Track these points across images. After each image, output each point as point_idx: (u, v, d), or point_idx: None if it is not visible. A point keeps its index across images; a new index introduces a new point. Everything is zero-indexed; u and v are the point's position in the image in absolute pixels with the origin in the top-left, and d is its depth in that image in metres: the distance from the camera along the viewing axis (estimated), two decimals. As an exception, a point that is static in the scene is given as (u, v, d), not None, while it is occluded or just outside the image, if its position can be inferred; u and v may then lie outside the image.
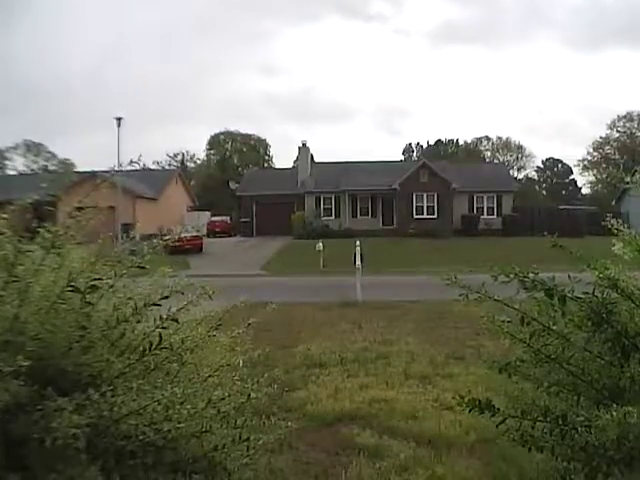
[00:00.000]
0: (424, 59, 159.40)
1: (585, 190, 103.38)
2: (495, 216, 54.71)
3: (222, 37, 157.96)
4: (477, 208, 55.05)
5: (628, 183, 3.44)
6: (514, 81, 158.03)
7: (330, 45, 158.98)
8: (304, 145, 61.54)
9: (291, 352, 11.11)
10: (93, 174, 53.50)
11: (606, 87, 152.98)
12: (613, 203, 61.22)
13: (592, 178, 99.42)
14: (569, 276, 2.92)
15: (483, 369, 8.08)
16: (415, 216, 52.41)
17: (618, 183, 55.09)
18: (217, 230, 60.13)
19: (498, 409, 2.85)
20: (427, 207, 52.83)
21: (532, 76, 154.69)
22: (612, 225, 3.41)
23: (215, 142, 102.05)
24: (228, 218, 66.03)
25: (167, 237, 2.87)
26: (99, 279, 2.57)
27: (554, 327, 2.88)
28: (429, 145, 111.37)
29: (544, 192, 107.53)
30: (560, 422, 2.70)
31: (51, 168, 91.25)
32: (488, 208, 55.28)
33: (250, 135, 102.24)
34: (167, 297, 2.72)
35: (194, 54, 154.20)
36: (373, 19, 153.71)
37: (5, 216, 2.55)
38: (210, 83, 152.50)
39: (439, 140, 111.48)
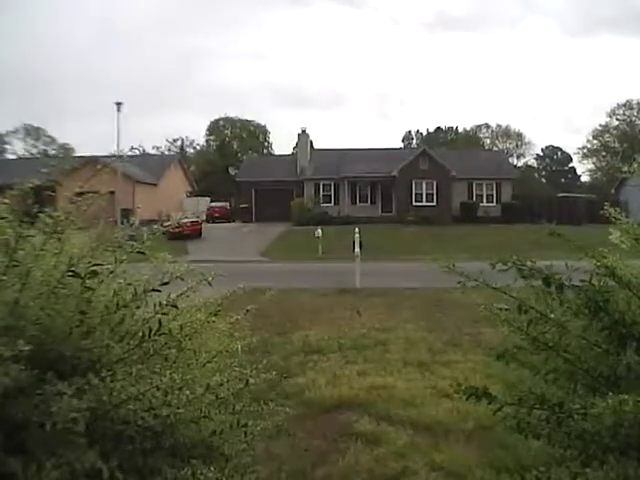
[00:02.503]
0: (420, 46, 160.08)
1: (584, 178, 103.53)
2: (494, 203, 54.68)
3: (217, 24, 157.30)
4: (476, 195, 55.04)
5: (626, 172, 3.44)
6: (512, 68, 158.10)
7: (326, 32, 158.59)
8: (303, 132, 61.46)
9: (289, 338, 11.15)
10: (93, 159, 53.86)
11: (603, 75, 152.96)
12: (612, 191, 61.12)
13: (591, 166, 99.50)
14: (566, 265, 2.93)
15: (481, 356, 8.15)
16: (414, 203, 52.38)
17: (617, 173, 55.07)
18: (216, 216, 60.07)
19: (495, 397, 2.86)
20: (426, 194, 52.78)
21: (530, 64, 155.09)
22: (610, 214, 3.42)
23: (214, 128, 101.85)
24: (227, 204, 65.97)
25: (167, 224, 2.88)
26: (99, 264, 2.57)
27: (551, 315, 2.89)
28: (429, 132, 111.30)
29: (543, 180, 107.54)
30: (557, 410, 2.71)
31: (51, 152, 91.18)
32: (487, 195, 55.24)
33: (250, 121, 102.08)
34: (167, 283, 2.73)
35: (191, 41, 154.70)
36: (366, 5, 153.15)
37: (6, 201, 2.56)
38: (207, 70, 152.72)
39: (438, 127, 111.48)
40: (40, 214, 2.57)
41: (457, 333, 11.36)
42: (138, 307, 2.72)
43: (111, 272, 2.70)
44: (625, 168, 3.38)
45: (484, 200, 54.86)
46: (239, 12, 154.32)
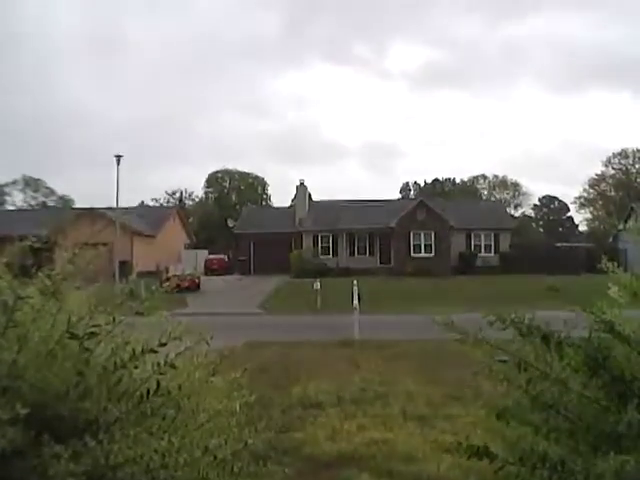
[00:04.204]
0: (415, 99, 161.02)
1: (582, 227, 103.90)
2: (492, 254, 54.76)
3: (214, 79, 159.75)
4: (474, 246, 55.14)
5: (622, 230, 3.46)
6: (507, 120, 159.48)
7: (323, 87, 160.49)
8: (301, 184, 61.85)
9: (288, 392, 11.06)
10: (92, 211, 54.10)
11: (594, 126, 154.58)
12: (610, 240, 61.30)
13: (589, 215, 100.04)
14: (564, 322, 2.93)
15: (482, 409, 8.08)
16: (413, 254, 52.44)
17: (612, 229, 55.33)
18: (214, 268, 60.03)
19: (496, 455, 2.84)
20: (424, 245, 52.86)
21: (523, 116, 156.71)
22: (608, 267, 3.42)
23: (213, 180, 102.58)
24: (225, 256, 66.03)
25: (166, 285, 2.88)
26: (98, 325, 2.57)
27: (551, 373, 2.88)
28: (426, 184, 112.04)
29: (541, 229, 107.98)
30: (558, 469, 2.69)
31: (50, 204, 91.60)
32: (485, 246, 55.35)
33: (248, 173, 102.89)
34: (165, 344, 2.72)
35: (190, 94, 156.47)
36: (357, 62, 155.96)
37: (4, 260, 2.57)
38: (206, 122, 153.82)
39: (436, 179, 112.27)
40: (39, 273, 2.58)
41: (457, 386, 11.26)
42: (136, 367, 2.71)
43: (109, 332, 2.70)
44: (620, 226, 3.40)
45: (482, 250, 54.95)
46: (237, 67, 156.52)
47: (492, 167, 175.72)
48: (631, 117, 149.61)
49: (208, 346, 3.01)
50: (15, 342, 2.45)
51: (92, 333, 2.54)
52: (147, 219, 61.31)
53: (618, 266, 3.40)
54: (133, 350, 2.67)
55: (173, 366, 2.76)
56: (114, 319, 2.70)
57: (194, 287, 43.68)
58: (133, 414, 2.63)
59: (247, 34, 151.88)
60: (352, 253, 55.34)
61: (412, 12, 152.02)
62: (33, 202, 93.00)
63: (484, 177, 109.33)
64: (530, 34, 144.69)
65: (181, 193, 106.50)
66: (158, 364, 2.71)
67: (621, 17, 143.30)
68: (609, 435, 2.78)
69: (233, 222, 72.43)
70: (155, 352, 2.69)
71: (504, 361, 3.05)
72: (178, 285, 32.48)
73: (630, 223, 55.32)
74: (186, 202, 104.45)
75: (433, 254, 52.42)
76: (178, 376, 2.90)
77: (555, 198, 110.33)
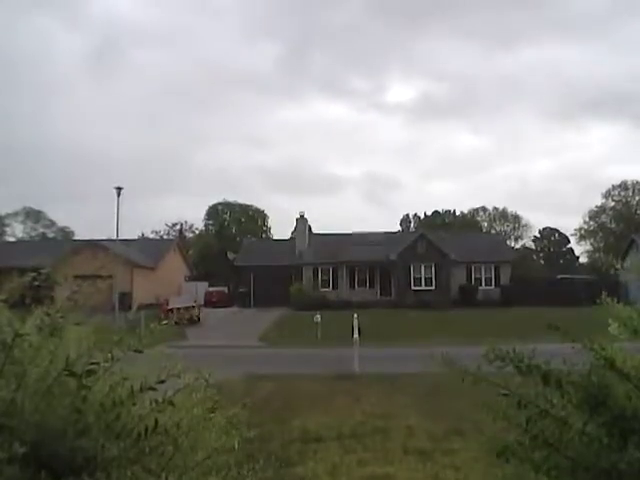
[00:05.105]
0: (413, 132, 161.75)
1: (583, 259, 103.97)
2: (493, 286, 54.75)
3: (214, 111, 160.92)
4: (475, 278, 55.13)
5: (620, 269, 3.47)
6: (505, 153, 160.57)
7: (323, 120, 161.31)
8: (302, 216, 61.98)
9: (288, 426, 11.00)
10: (92, 243, 54.16)
11: (594, 158, 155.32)
12: (612, 272, 61.36)
13: (589, 247, 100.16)
14: (564, 361, 2.92)
15: (482, 445, 8.01)
16: (413, 287, 52.44)
17: (612, 269, 55.25)
18: (214, 300, 59.97)
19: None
20: (425, 278, 52.86)
21: (522, 148, 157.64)
22: (608, 303, 3.41)
23: (213, 212, 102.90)
24: (225, 288, 66.02)
25: (164, 322, 2.88)
26: (96, 363, 2.57)
27: (551, 410, 2.86)
28: (426, 216, 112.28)
29: (542, 261, 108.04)
30: (560, 508, 2.67)
31: (50, 235, 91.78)
32: (486, 278, 55.35)
33: (248, 206, 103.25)
34: (163, 381, 2.71)
35: (190, 127, 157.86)
36: (356, 95, 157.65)
37: (3, 297, 2.57)
38: (206, 155, 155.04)
39: (436, 211, 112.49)
40: (37, 308, 2.58)
41: (458, 419, 11.20)
42: (134, 404, 2.69)
43: (107, 369, 2.69)
44: (619, 265, 3.41)
45: (483, 283, 54.93)
46: (237, 99, 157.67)
47: (492, 199, 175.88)
48: (630, 149, 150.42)
49: (207, 383, 2.99)
50: (13, 380, 2.44)
51: (91, 371, 2.53)
52: (147, 251, 61.43)
53: (618, 301, 3.40)
54: (131, 387, 2.66)
55: (172, 403, 2.74)
56: (112, 357, 2.69)
57: (195, 320, 43.67)
58: (131, 452, 2.61)
59: (247, 67, 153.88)
60: (352, 286, 55.31)
61: (409, 45, 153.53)
62: (33, 233, 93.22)
63: (484, 209, 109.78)
64: (527, 66, 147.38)
65: (181, 225, 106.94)
66: (156, 401, 2.70)
67: (619, 51, 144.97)
68: (610, 473, 2.76)
69: (233, 254, 72.49)
70: (154, 389, 2.68)
71: (507, 395, 3.04)
72: (179, 319, 32.60)
73: (631, 255, 55.74)
74: (186, 234, 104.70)
75: (434, 287, 52.43)
76: (176, 413, 2.88)
77: (556, 230, 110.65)
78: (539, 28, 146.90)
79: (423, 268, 52.93)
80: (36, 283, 2.64)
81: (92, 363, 2.53)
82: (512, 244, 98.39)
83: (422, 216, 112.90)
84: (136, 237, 78.96)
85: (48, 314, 2.53)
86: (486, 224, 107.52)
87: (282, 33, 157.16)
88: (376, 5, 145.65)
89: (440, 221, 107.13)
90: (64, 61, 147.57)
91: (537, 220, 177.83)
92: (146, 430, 2.60)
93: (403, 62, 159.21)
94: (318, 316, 34.67)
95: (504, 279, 55.21)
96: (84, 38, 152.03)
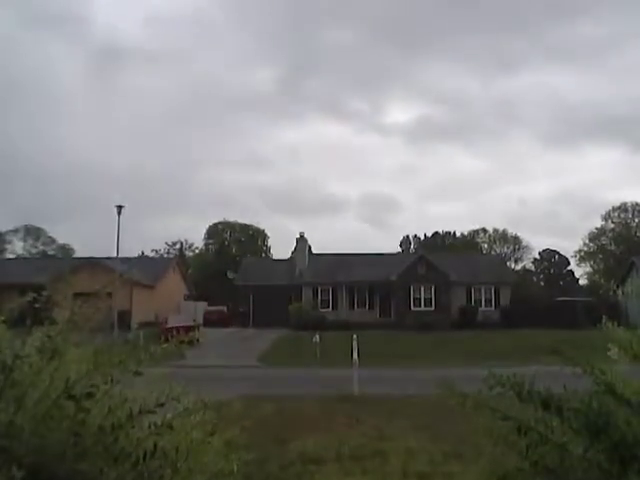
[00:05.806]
0: (413, 154, 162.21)
1: (583, 281, 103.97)
2: (493, 308, 54.64)
3: (214, 131, 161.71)
4: (475, 300, 55.04)
5: (619, 294, 3.47)
6: (504, 175, 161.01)
7: (319, 141, 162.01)
8: (302, 236, 62.02)
9: (287, 447, 10.93)
10: (93, 261, 54.13)
11: (592, 180, 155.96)
12: (611, 294, 61.27)
13: (589, 269, 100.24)
14: (564, 387, 2.91)
15: (482, 470, 7.97)
16: (413, 308, 52.37)
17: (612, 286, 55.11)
18: (214, 320, 59.80)
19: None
20: (425, 299, 52.82)
21: (522, 170, 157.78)
22: (608, 327, 3.40)
23: (213, 232, 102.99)
24: (225, 308, 65.86)
25: (165, 346, 2.88)
26: (95, 385, 2.56)
27: (552, 436, 2.85)
28: (426, 237, 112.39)
29: (542, 283, 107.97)
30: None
31: (50, 253, 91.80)
32: (486, 300, 55.24)
33: (248, 225, 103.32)
34: (162, 405, 2.70)
35: (190, 146, 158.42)
36: (355, 116, 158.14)
37: (3, 318, 2.57)
38: (207, 175, 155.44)
39: (436, 232, 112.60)
40: (37, 329, 2.57)
41: (458, 442, 11.12)
42: (133, 427, 2.68)
43: (106, 392, 2.68)
44: (619, 290, 3.40)
45: (483, 304, 54.81)
46: (237, 119, 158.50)
47: (492, 220, 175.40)
48: (629, 172, 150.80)
49: (205, 405, 2.98)
50: (12, 402, 2.43)
51: (89, 393, 2.52)
52: (147, 269, 61.38)
53: (619, 324, 3.39)
54: (130, 410, 2.65)
55: (171, 427, 2.73)
56: (112, 380, 2.68)
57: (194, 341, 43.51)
58: (129, 476, 2.60)
59: (247, 88, 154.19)
60: (352, 306, 55.25)
61: (408, 68, 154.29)
62: (33, 251, 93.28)
63: (484, 230, 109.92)
64: (526, 90, 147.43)
65: (181, 244, 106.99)
66: (155, 424, 2.69)
67: (617, 77, 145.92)
68: (611, 500, 2.75)
69: (233, 274, 72.43)
70: (153, 412, 2.67)
71: (507, 419, 3.03)
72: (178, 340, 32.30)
73: (631, 277, 55.71)
74: (186, 253, 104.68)
75: (433, 308, 52.37)
76: (175, 436, 2.87)
77: (555, 252, 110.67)
78: (538, 54, 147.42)
79: (423, 289, 52.90)
80: (37, 305, 2.64)
81: (91, 385, 2.52)
82: (512, 266, 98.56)
83: (422, 237, 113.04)
84: (136, 255, 78.99)
85: (49, 336, 2.52)
86: (486, 245, 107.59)
87: (282, 55, 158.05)
88: (376, 28, 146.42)
89: (440, 242, 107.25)
90: (66, 79, 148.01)
91: (537, 242, 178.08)
92: (145, 454, 2.59)
93: (403, 84, 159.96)
94: (317, 336, 34.59)
95: (504, 300, 55.10)
96: (85, 55, 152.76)
